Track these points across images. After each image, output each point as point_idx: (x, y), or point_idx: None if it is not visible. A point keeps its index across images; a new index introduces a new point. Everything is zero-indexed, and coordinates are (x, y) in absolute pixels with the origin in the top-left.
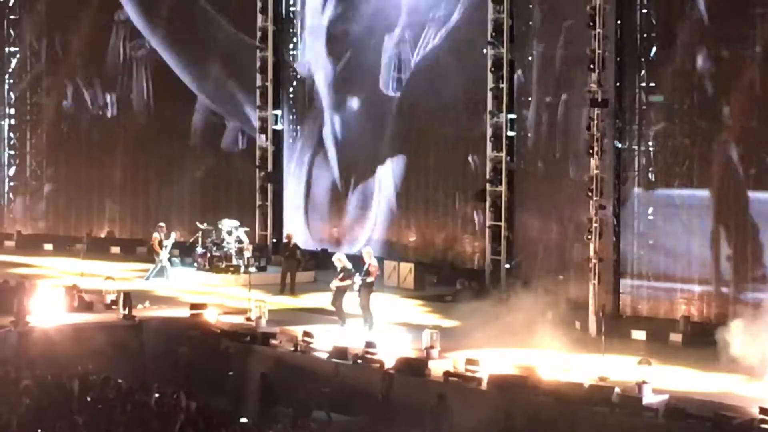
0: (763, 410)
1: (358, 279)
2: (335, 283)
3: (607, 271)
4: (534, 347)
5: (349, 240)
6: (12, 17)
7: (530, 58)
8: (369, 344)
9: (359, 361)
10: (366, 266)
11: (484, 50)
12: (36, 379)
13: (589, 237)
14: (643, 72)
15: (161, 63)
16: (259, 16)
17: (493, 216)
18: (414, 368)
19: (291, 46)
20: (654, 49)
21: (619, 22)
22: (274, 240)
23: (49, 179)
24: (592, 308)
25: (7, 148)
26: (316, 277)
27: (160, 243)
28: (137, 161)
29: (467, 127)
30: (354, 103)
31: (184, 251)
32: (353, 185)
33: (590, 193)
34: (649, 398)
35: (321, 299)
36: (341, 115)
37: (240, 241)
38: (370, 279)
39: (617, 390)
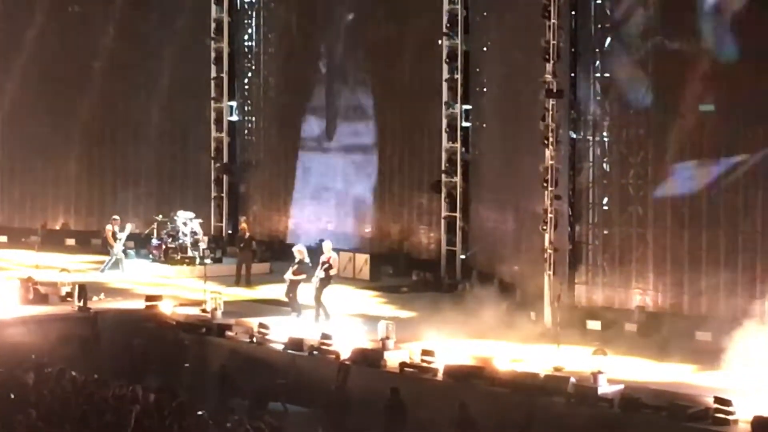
0: (717, 399)
1: (319, 272)
2: (289, 275)
3: (563, 262)
4: (490, 338)
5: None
6: None
7: (485, 48)
8: (325, 335)
9: (315, 352)
10: (325, 258)
11: (439, 41)
12: None
13: (544, 227)
14: (597, 62)
15: (115, 55)
16: (214, 8)
17: (448, 207)
18: (370, 359)
19: (246, 37)
20: (608, 39)
21: (573, 12)
22: (230, 231)
23: (3, 171)
24: (548, 299)
25: None
26: (271, 268)
27: (114, 235)
28: (92, 153)
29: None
30: None
31: (140, 243)
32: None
33: (545, 184)
34: (604, 388)
35: (277, 290)
36: None
37: (195, 233)
38: (332, 271)
39: (572, 380)
